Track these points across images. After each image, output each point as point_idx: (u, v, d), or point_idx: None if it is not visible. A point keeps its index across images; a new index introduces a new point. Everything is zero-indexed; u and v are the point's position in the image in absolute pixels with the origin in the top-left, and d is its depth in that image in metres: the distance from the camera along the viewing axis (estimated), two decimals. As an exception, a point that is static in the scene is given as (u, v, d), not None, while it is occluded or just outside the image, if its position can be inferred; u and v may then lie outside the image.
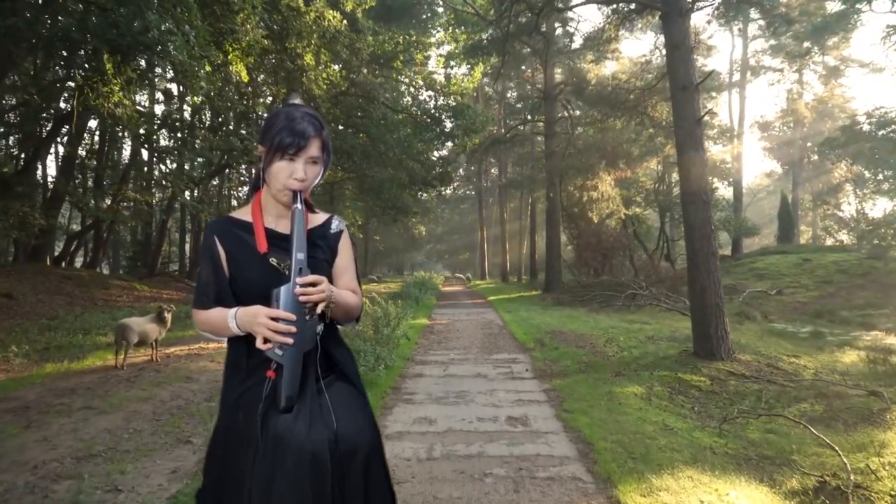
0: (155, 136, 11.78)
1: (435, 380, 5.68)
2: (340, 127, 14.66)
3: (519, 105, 29.92)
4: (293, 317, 1.22)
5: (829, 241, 34.92)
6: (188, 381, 5.68)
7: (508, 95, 34.73)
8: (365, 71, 13.79)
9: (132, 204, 15.12)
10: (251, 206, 1.42)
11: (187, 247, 24.22)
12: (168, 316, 6.47)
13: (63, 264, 14.93)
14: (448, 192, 49.04)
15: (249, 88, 11.40)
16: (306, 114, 1.34)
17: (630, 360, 6.52)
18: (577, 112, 19.11)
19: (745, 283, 16.89)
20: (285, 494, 1.21)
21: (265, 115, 12.04)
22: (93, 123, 17.49)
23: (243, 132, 10.86)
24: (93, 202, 11.55)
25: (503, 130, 25.83)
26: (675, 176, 21.55)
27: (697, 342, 6.65)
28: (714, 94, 17.49)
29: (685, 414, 4.86)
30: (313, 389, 1.30)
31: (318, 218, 1.47)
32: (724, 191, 25.35)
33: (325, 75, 10.96)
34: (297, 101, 1.42)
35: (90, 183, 15.50)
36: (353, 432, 1.31)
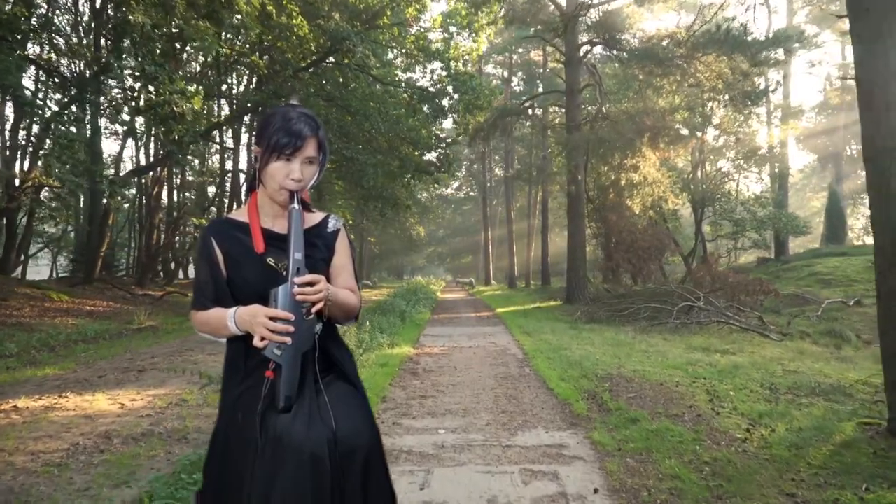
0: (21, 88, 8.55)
1: (400, 527, 2.55)
2: (312, 90, 11.60)
3: (525, 89, 26.82)
4: (292, 316, 1.19)
5: (871, 242, 31.93)
6: None
7: (513, 82, 31.76)
8: (337, 16, 10.70)
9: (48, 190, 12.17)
10: (247, 207, 1.40)
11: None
12: None
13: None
14: (449, 191, 46.18)
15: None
16: (303, 114, 1.32)
17: (790, 455, 3.36)
18: (609, 71, 15.82)
19: (811, 292, 13.82)
20: (285, 495, 1.18)
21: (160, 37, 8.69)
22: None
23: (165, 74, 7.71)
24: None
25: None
26: (708, 166, 18.46)
27: (905, 412, 3.54)
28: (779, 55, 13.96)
29: None
30: (312, 389, 1.27)
31: (315, 217, 1.44)
32: (755, 187, 22.36)
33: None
34: (295, 101, 1.40)
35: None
36: (353, 432, 1.28)
